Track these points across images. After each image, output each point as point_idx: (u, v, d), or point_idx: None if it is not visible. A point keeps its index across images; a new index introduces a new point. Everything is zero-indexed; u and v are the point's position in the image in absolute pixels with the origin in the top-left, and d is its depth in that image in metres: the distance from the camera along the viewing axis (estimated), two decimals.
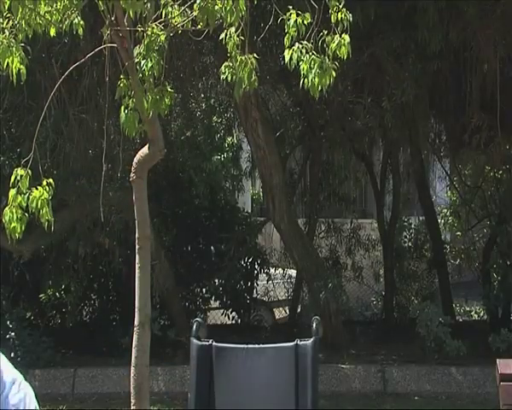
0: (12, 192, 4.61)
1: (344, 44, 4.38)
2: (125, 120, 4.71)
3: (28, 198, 4.59)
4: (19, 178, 4.62)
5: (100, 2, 4.61)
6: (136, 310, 5.07)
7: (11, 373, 2.39)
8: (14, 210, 4.58)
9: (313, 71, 4.38)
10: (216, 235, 10.69)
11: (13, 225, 4.57)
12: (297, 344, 4.21)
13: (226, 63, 4.49)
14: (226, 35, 4.43)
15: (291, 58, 4.43)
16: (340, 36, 4.39)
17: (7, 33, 4.50)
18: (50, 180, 4.69)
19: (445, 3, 8.08)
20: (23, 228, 4.60)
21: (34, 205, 4.56)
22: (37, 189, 4.61)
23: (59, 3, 4.55)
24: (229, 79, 4.46)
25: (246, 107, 8.73)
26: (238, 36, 4.43)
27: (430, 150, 11.29)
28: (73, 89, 8.35)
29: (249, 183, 13.45)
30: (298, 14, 4.42)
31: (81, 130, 8.63)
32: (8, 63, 4.47)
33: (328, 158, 11.64)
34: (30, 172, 4.65)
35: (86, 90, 8.31)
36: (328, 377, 8.61)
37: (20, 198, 4.60)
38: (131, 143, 8.10)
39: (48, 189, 4.63)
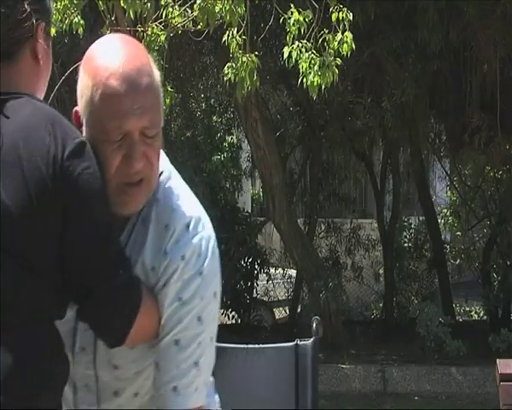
0: None
1: (346, 42, 4.38)
2: None
3: None
4: None
5: (100, 2, 4.62)
6: None
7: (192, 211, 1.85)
8: None
9: (313, 70, 4.38)
10: (216, 235, 10.67)
11: None
12: (297, 344, 4.21)
13: (229, 64, 4.49)
14: (228, 36, 4.44)
15: (290, 56, 4.43)
16: (342, 34, 4.40)
17: None
18: None
19: (445, 3, 8.08)
20: None
21: None
22: None
23: (59, 3, 4.56)
24: (232, 79, 4.47)
25: (246, 107, 8.72)
26: (240, 36, 4.44)
27: (430, 150, 11.29)
28: (73, 89, 8.34)
29: (249, 183, 13.45)
30: (299, 12, 4.43)
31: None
32: None
33: (328, 158, 11.64)
34: None
35: None
36: (328, 377, 8.60)
37: None
38: None
39: None
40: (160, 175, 1.83)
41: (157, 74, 1.79)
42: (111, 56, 1.78)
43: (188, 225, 1.77)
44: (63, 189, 1.66)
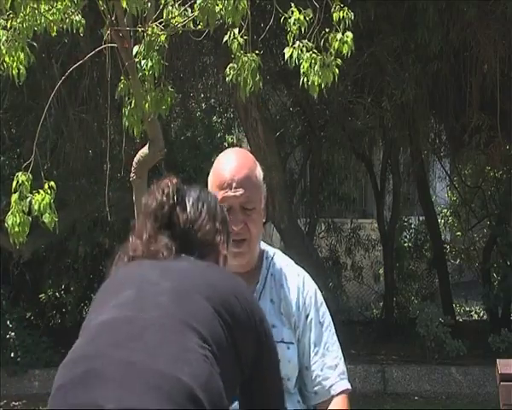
0: (14, 197, 4.61)
1: (347, 42, 4.37)
2: (127, 118, 4.71)
3: (30, 202, 4.58)
4: (20, 182, 4.61)
5: (100, 2, 4.61)
6: None
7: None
8: (17, 215, 4.57)
9: (314, 70, 4.37)
10: None
11: (16, 229, 4.56)
12: None
13: (231, 65, 4.48)
14: (230, 36, 4.43)
15: (291, 56, 4.42)
16: (343, 34, 4.39)
17: (11, 32, 4.50)
18: (52, 183, 4.68)
19: (445, 3, 8.08)
20: (27, 231, 4.59)
21: (37, 208, 4.55)
22: (38, 192, 4.60)
23: (59, 3, 4.55)
24: (235, 80, 4.45)
25: (246, 107, 8.72)
26: (242, 36, 4.42)
27: (430, 150, 11.29)
28: (73, 89, 8.35)
29: None
30: (300, 11, 4.42)
31: (81, 130, 8.63)
32: (12, 61, 4.47)
33: (328, 158, 11.63)
34: (31, 176, 4.65)
35: (86, 90, 8.31)
36: None
37: (22, 203, 4.59)
38: (132, 143, 8.11)
39: (50, 192, 4.63)
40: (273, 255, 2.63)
41: (259, 171, 2.53)
42: (225, 161, 2.54)
43: (303, 280, 2.58)
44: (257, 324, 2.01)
